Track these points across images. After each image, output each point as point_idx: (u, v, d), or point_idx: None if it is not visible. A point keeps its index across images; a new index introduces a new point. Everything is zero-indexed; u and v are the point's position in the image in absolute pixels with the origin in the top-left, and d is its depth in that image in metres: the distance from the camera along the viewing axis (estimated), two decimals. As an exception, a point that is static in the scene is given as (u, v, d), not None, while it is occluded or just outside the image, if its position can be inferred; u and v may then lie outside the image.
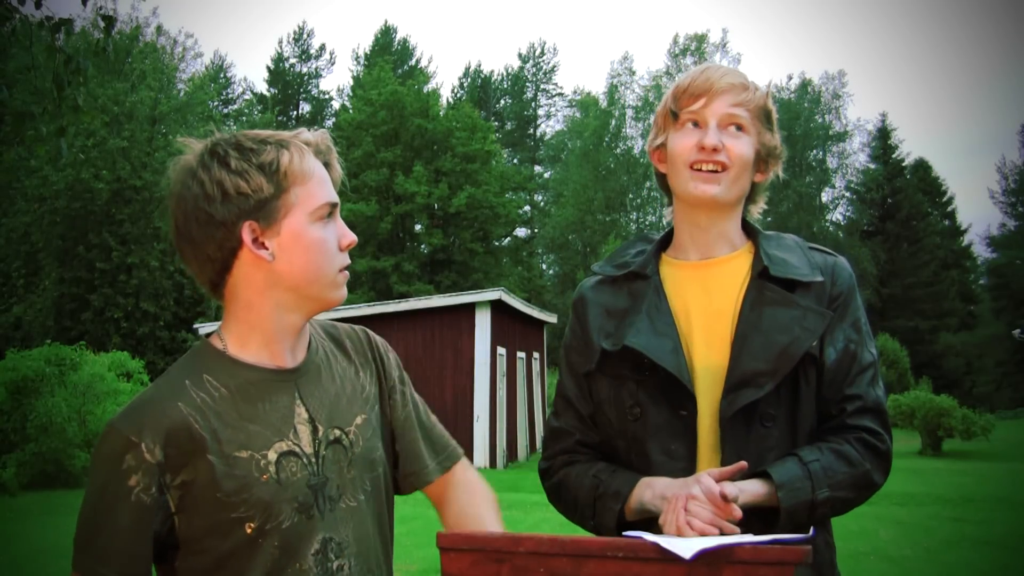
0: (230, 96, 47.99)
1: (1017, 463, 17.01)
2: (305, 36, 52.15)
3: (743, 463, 1.46)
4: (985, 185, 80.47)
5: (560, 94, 53.50)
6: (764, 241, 1.68)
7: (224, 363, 1.36)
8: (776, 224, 36.37)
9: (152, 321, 22.28)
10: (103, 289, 22.11)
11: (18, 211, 22.65)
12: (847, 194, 46.13)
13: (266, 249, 1.34)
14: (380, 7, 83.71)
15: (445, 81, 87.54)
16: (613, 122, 44.54)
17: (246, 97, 48.49)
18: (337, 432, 1.40)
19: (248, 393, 1.35)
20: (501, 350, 17.42)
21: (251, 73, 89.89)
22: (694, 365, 1.59)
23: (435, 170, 34.56)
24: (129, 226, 22.36)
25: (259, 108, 44.11)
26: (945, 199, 47.22)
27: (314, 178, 1.37)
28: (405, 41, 51.16)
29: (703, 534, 1.36)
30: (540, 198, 49.62)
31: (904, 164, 45.97)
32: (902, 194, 44.00)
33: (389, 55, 46.40)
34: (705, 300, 1.64)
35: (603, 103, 45.38)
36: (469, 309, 16.74)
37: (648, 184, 42.48)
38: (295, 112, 50.72)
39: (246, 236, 1.33)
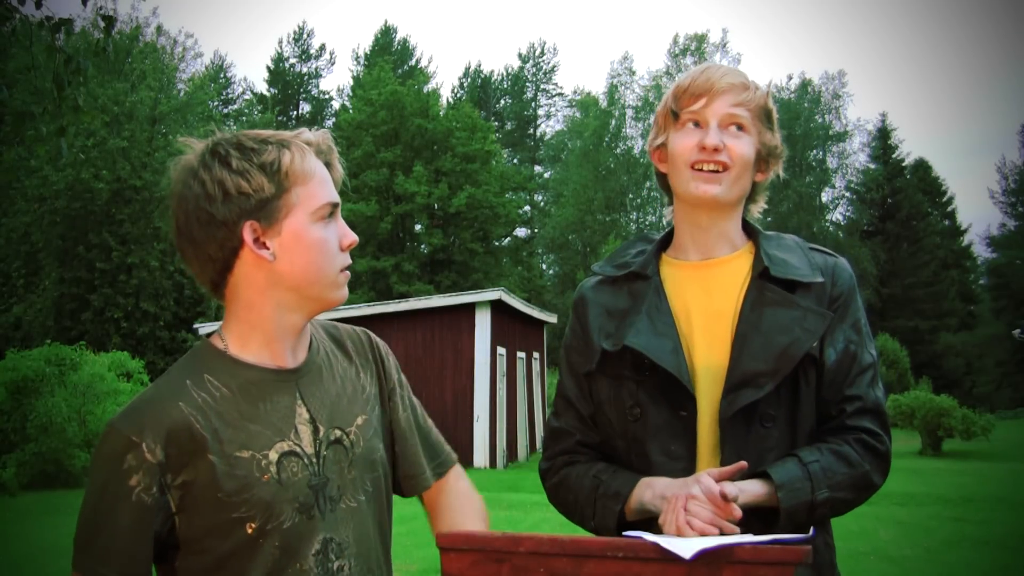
0: (230, 96, 48.00)
1: (1017, 463, 17.01)
2: (305, 36, 52.18)
3: (743, 463, 1.46)
4: (985, 185, 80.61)
5: (560, 94, 53.55)
6: (764, 241, 1.68)
7: (225, 363, 1.36)
8: (776, 224, 36.37)
9: (152, 321, 22.28)
10: (103, 289, 22.11)
11: (18, 211, 22.65)
12: (847, 194, 46.18)
13: (267, 249, 1.34)
14: (380, 7, 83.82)
15: (445, 81, 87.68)
16: (613, 122, 44.55)
17: (246, 97, 48.52)
18: (338, 432, 1.40)
19: (249, 393, 1.35)
20: (501, 350, 17.43)
21: (251, 73, 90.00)
22: (694, 365, 1.59)
23: (435, 170, 34.57)
24: (129, 226, 22.37)
25: (259, 108, 44.10)
26: (945, 199, 47.24)
27: (315, 178, 1.37)
28: (405, 41, 51.18)
29: (703, 534, 1.36)
30: (540, 198, 49.63)
31: (904, 164, 45.99)
32: (902, 194, 44.01)
33: (389, 55, 46.42)
34: (705, 300, 1.64)
35: (603, 103, 45.39)
36: (469, 309, 16.74)
37: (648, 184, 42.49)
38: (295, 112, 50.72)
39: (247, 236, 1.33)
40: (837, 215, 47.05)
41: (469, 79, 53.68)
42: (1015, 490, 12.31)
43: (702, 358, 1.59)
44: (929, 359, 39.28)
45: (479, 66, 56.09)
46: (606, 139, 44.02)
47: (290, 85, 51.38)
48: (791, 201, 41.84)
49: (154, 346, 22.19)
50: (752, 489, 1.47)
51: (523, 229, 45.76)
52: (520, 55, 54.87)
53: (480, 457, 16.25)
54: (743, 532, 1.37)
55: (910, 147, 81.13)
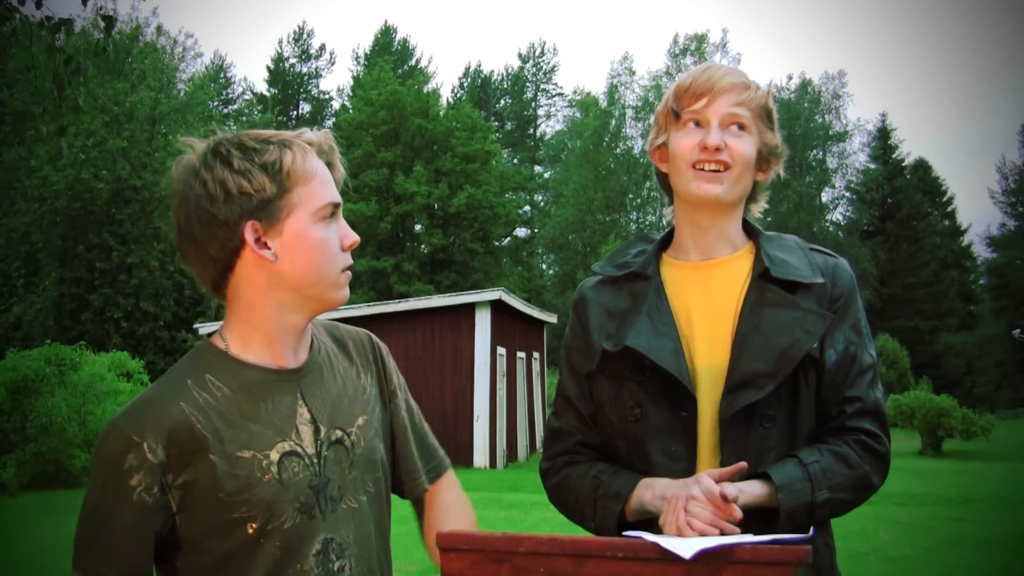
0: (230, 96, 48.00)
1: (1017, 463, 17.01)
2: (305, 36, 52.18)
3: (743, 464, 1.46)
4: (985, 185, 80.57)
5: (560, 94, 53.56)
6: (765, 242, 1.68)
7: (226, 363, 1.36)
8: (776, 224, 36.37)
9: (152, 321, 22.28)
10: (103, 289, 22.11)
11: (18, 211, 22.65)
12: (847, 194, 46.18)
13: (268, 249, 1.34)
14: (380, 7, 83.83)
15: (445, 81, 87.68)
16: (613, 122, 44.54)
17: (246, 97, 48.53)
18: (339, 433, 1.41)
19: (250, 393, 1.35)
20: (501, 350, 17.43)
21: (251, 73, 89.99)
22: (695, 366, 1.59)
23: (435, 170, 34.57)
24: (129, 226, 22.37)
25: (259, 108, 44.11)
26: (945, 199, 47.23)
27: (317, 178, 1.37)
28: (405, 41, 51.18)
29: (703, 535, 1.36)
30: (540, 198, 49.63)
31: (904, 164, 45.98)
32: (902, 194, 44.01)
33: (389, 55, 46.42)
34: (706, 301, 1.64)
35: (603, 103, 45.38)
36: (469, 309, 16.74)
37: (648, 184, 42.49)
38: (295, 112, 50.73)
39: (248, 236, 1.33)
40: (837, 215, 47.12)
41: (469, 79, 53.69)
42: (1015, 490, 12.31)
43: (702, 359, 1.60)
44: (929, 359, 39.28)
45: (479, 66, 56.14)
46: (606, 139, 44.02)
47: (290, 85, 51.38)
48: (791, 201, 41.84)
49: (154, 346, 22.20)
50: (752, 490, 1.47)
51: (523, 229, 45.77)
52: (520, 55, 54.93)
53: (480, 457, 16.25)
54: (743, 533, 1.37)
55: (910, 147, 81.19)
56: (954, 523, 9.39)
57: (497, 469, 16.56)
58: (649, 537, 1.24)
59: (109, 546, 1.26)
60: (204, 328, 17.19)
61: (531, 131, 53.65)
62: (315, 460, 1.36)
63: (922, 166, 46.77)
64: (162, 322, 22.43)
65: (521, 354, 19.33)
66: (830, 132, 44.70)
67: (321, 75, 52.59)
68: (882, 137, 45.92)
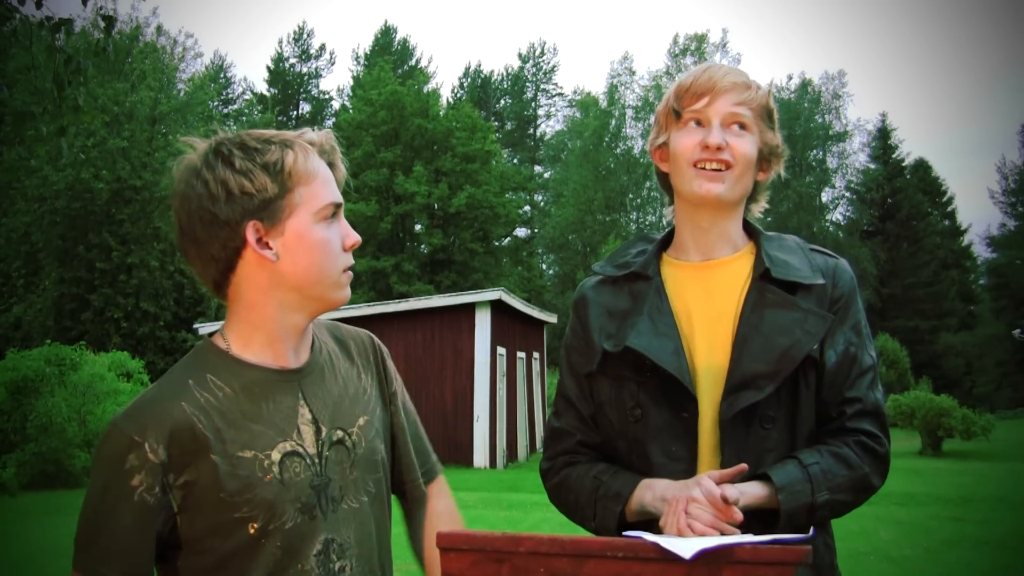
0: (230, 96, 48.01)
1: (1017, 463, 17.01)
2: (305, 36, 52.18)
3: (743, 466, 1.46)
4: (985, 185, 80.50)
5: (560, 94, 53.55)
6: (766, 242, 1.68)
7: (228, 363, 1.36)
8: (776, 224, 36.37)
9: (152, 321, 22.28)
10: (103, 289, 22.11)
11: (18, 211, 22.65)
12: (847, 194, 46.18)
13: (270, 249, 1.34)
14: (380, 7, 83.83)
15: (445, 81, 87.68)
16: (613, 122, 44.54)
17: (246, 97, 48.53)
18: (340, 433, 1.41)
19: (252, 393, 1.35)
20: (501, 350, 17.43)
21: (251, 73, 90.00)
22: (695, 367, 1.59)
23: (435, 170, 34.57)
24: (129, 226, 22.37)
25: (259, 108, 44.12)
26: (945, 199, 47.23)
27: (318, 178, 1.37)
28: (405, 41, 51.18)
29: (704, 536, 1.36)
30: (540, 198, 49.63)
31: (904, 164, 45.98)
32: (902, 194, 44.00)
33: (389, 55, 46.41)
34: (706, 301, 1.64)
35: (603, 103, 45.38)
36: (469, 309, 16.74)
37: (648, 184, 42.49)
38: (295, 112, 50.73)
39: (250, 236, 1.33)
40: (837, 215, 47.12)
41: (469, 79, 53.69)
42: (1015, 490, 12.31)
43: (703, 359, 1.59)
44: (929, 359, 39.28)
45: (479, 66, 56.14)
46: (606, 139, 44.01)
47: (290, 85, 51.38)
48: (791, 201, 41.84)
49: (154, 346, 22.20)
50: (753, 491, 1.47)
51: (523, 229, 45.77)
52: (520, 55, 54.93)
53: (480, 457, 16.25)
54: (743, 533, 1.37)
55: (910, 147, 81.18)
56: (954, 523, 9.39)
57: (497, 469, 16.56)
58: (649, 537, 1.24)
59: (110, 546, 1.25)
60: (204, 328, 17.19)
61: (531, 131, 53.66)
62: (316, 460, 1.36)
63: (922, 166, 46.78)
64: (162, 322, 22.43)
65: (521, 354, 19.33)
66: (830, 132, 44.71)
67: (321, 75, 52.65)
68: (882, 137, 45.91)
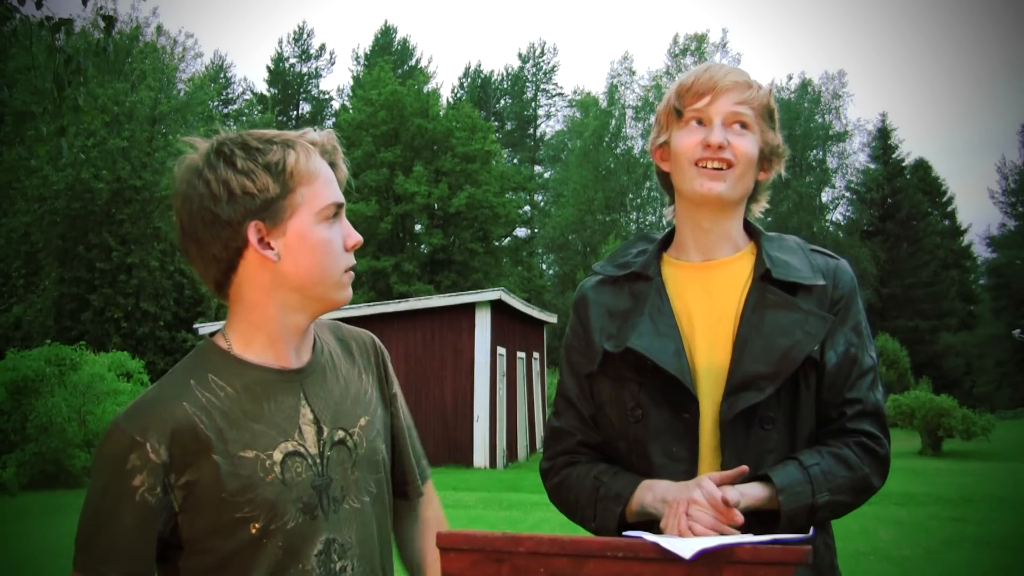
0: (230, 96, 48.01)
1: (1017, 463, 17.01)
2: (305, 36, 52.17)
3: (744, 468, 1.46)
4: (985, 185, 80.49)
5: (560, 94, 53.54)
6: (766, 243, 1.68)
7: (229, 363, 1.36)
8: (776, 224, 36.36)
9: (152, 321, 22.28)
10: (103, 289, 22.11)
11: (18, 211, 22.65)
12: (847, 194, 46.17)
13: (272, 249, 1.34)
14: (380, 7, 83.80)
15: (445, 81, 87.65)
16: (613, 122, 44.53)
17: (246, 97, 48.54)
18: (342, 433, 1.41)
19: (254, 393, 1.35)
20: (501, 350, 17.42)
21: (251, 73, 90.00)
22: (696, 367, 1.59)
23: (435, 170, 34.57)
24: (129, 226, 22.37)
25: (259, 108, 44.13)
26: (945, 199, 47.22)
27: (320, 178, 1.37)
28: (405, 41, 51.18)
29: (704, 538, 1.36)
30: (540, 198, 49.62)
31: (904, 164, 45.97)
32: (902, 194, 44.00)
33: (389, 55, 46.41)
34: (707, 302, 1.64)
35: (603, 103, 45.37)
36: (469, 309, 16.74)
37: (648, 184, 42.48)
38: (295, 112, 50.72)
39: (252, 236, 1.32)
40: (837, 215, 47.11)
41: (469, 79, 53.68)
42: (1015, 490, 12.31)
43: (704, 360, 1.59)
44: (929, 359, 39.27)
45: (479, 66, 56.13)
46: (606, 139, 44.01)
47: (290, 85, 51.37)
48: (791, 201, 41.83)
49: (154, 346, 22.19)
50: (753, 492, 1.47)
51: (523, 229, 45.77)
52: (520, 55, 54.92)
53: (480, 457, 16.25)
54: (743, 534, 1.37)
55: (910, 147, 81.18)
56: (954, 523, 9.39)
57: (497, 469, 16.56)
58: (649, 537, 1.25)
59: (111, 546, 1.25)
60: (204, 328, 17.19)
61: (531, 131, 53.65)
62: (318, 460, 1.36)
63: (922, 166, 46.77)
64: (162, 322, 22.43)
65: (521, 354, 19.33)
66: (830, 132, 44.70)
67: (321, 75, 52.64)
68: (882, 137, 45.91)
